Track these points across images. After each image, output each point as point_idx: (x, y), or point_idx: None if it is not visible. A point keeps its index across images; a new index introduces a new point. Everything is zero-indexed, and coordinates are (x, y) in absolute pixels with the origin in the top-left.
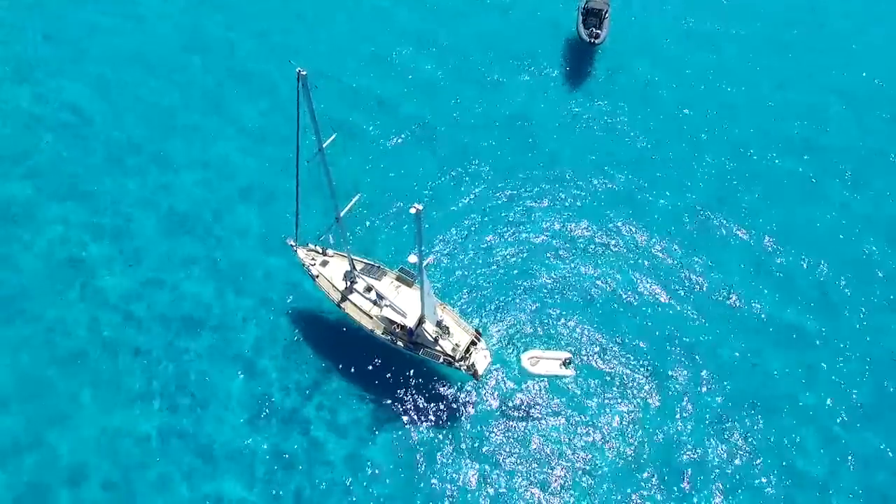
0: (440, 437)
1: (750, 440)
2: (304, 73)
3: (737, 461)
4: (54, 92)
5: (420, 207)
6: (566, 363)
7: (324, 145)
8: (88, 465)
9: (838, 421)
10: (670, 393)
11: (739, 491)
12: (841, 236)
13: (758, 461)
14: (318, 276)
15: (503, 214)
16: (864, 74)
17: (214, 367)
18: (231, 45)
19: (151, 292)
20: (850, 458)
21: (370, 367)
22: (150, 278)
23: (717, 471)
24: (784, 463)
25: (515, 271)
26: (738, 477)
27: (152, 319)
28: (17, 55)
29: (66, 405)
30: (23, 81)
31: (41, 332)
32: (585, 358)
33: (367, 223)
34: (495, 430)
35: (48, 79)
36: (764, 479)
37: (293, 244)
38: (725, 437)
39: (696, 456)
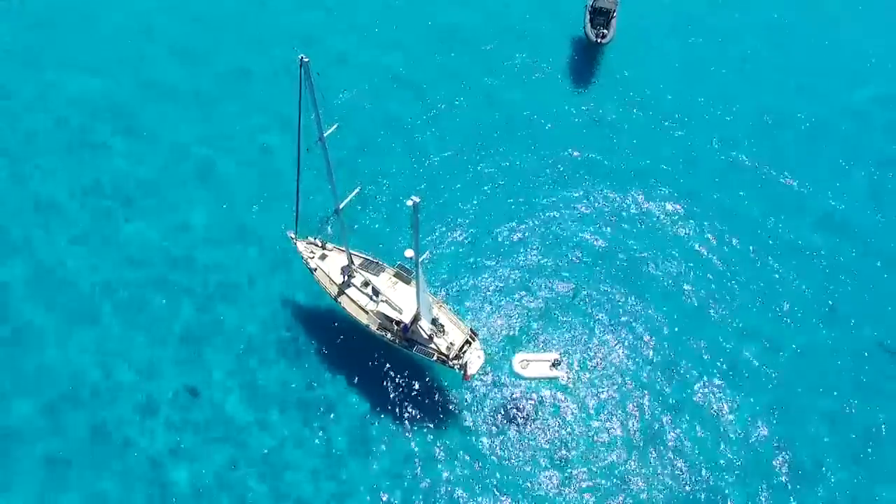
0: (432, 436)
1: (747, 435)
2: (307, 60)
3: (730, 456)
4: None
5: (417, 200)
6: (555, 364)
7: (325, 134)
8: None
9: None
10: (663, 391)
11: (738, 483)
12: None
13: (757, 455)
14: (315, 270)
15: (504, 214)
16: (872, 62)
17: (207, 357)
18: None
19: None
20: None
21: (364, 363)
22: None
23: (710, 463)
24: (791, 463)
25: (513, 272)
26: (736, 470)
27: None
28: None
29: None
30: None
31: None
32: (575, 359)
33: (367, 216)
34: (488, 430)
35: None
36: (769, 472)
37: (293, 236)
38: (713, 433)
39: (689, 451)
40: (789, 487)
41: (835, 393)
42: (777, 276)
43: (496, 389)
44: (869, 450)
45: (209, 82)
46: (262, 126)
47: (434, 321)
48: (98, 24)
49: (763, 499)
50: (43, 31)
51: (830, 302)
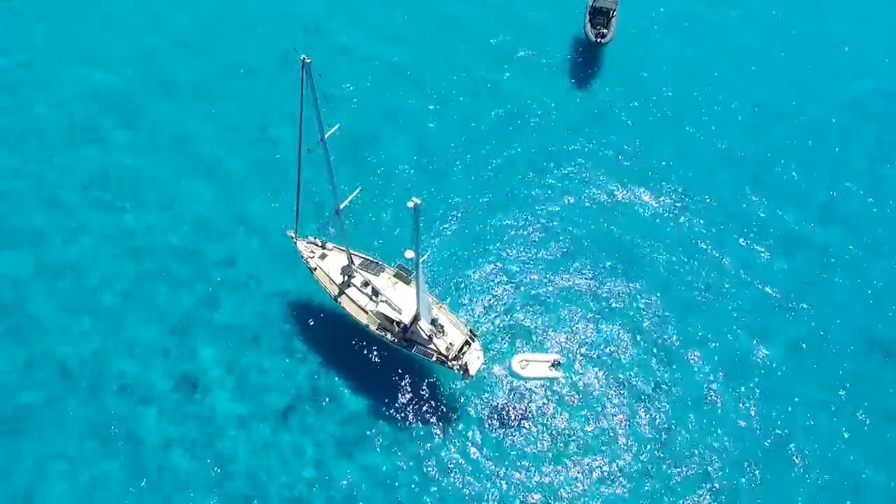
0: (431, 437)
1: (752, 429)
2: (309, 61)
3: (735, 450)
4: None
5: (418, 201)
6: (555, 365)
7: (326, 135)
8: None
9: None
10: (665, 389)
11: (743, 478)
12: None
13: (761, 447)
14: (315, 269)
15: (504, 214)
16: (868, 57)
17: (204, 354)
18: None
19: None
20: None
21: (364, 363)
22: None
23: (706, 462)
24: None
25: (514, 272)
26: (741, 465)
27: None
28: None
29: None
30: None
31: None
32: (574, 360)
33: (368, 216)
34: (487, 431)
35: None
36: (773, 464)
37: (293, 235)
38: (711, 430)
39: (683, 450)
40: (794, 478)
41: (833, 384)
42: (778, 269)
43: (496, 390)
44: (868, 439)
45: (213, 75)
46: (265, 119)
47: (433, 322)
48: (100, 16)
49: (767, 491)
50: (45, 25)
51: (829, 293)
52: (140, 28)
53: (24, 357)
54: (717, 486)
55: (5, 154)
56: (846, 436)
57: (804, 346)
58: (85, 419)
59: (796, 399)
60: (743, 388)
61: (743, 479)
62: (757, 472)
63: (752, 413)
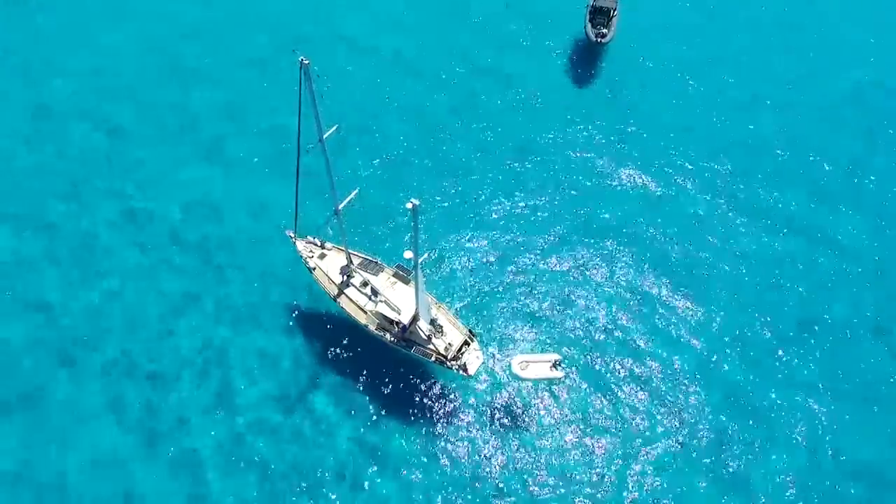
0: (430, 438)
1: (742, 436)
2: (308, 62)
3: (726, 457)
4: None
5: (417, 202)
6: (555, 365)
7: (324, 136)
8: None
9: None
10: (666, 387)
11: (731, 489)
12: None
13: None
14: (315, 269)
15: (503, 215)
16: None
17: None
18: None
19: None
20: None
21: (363, 363)
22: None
23: (707, 451)
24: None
25: (514, 272)
26: (730, 473)
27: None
28: None
29: None
30: None
31: None
32: (574, 359)
33: (367, 216)
34: (487, 432)
35: None
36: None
37: (292, 235)
38: (713, 421)
39: (681, 450)
40: (794, 464)
41: (833, 369)
42: (778, 254)
43: (496, 391)
44: (867, 426)
45: (218, 66)
46: (270, 110)
47: (432, 322)
48: (106, 9)
49: (767, 477)
50: (51, 19)
51: (829, 280)
52: (146, 19)
53: (31, 340)
54: (719, 473)
55: (12, 145)
56: (845, 422)
57: (805, 331)
58: (84, 403)
59: (798, 384)
60: (745, 376)
61: (744, 465)
62: (759, 456)
63: (753, 399)
